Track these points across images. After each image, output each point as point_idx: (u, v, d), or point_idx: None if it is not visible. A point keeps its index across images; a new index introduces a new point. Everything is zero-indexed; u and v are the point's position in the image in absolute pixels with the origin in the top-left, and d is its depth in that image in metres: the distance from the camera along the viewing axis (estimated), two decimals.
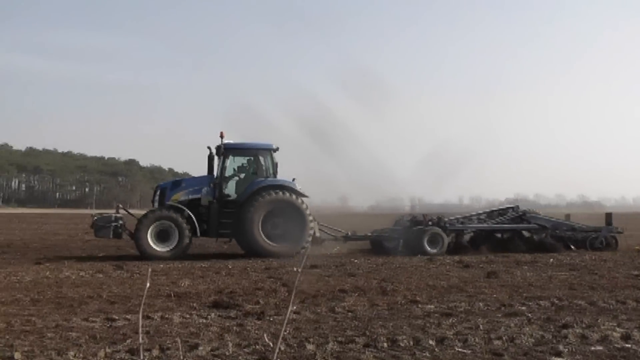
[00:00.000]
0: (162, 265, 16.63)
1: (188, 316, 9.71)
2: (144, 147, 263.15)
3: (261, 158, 20.47)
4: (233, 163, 20.57)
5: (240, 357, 7.27)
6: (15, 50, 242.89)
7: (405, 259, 18.70)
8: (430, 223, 21.18)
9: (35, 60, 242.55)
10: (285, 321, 4.34)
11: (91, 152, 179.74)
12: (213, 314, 9.90)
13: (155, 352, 7.39)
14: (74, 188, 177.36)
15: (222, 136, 19.90)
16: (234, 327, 8.88)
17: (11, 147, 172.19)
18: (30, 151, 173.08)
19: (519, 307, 10.58)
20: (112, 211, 20.76)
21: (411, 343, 7.94)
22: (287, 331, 8.55)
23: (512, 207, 23.04)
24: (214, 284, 13.29)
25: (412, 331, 8.59)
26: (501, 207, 23.61)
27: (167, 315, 9.69)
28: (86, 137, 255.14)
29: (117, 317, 9.50)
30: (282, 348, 7.65)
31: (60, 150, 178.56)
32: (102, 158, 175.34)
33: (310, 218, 19.71)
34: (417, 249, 20.03)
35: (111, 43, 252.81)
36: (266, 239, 19.33)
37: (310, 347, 7.70)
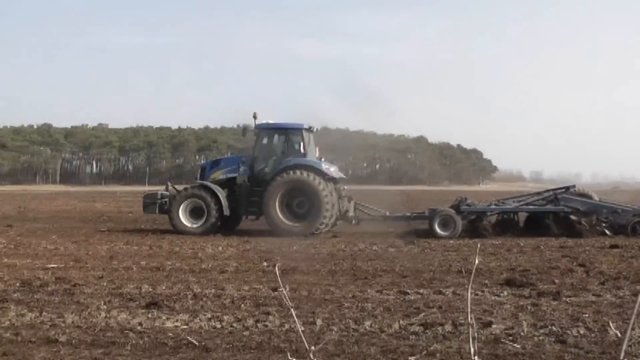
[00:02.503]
0: (452, 242, 16.73)
1: (480, 293, 9.64)
2: (433, 124, 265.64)
3: (292, 138, 20.34)
4: (266, 143, 20.60)
5: (535, 338, 7.04)
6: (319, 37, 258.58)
7: None
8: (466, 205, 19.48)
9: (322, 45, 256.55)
10: None
11: (380, 130, 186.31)
12: (506, 291, 9.73)
13: (448, 328, 7.44)
14: (365, 165, 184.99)
15: (255, 117, 20.13)
16: (528, 307, 8.62)
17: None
18: (323, 130, 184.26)
19: None
20: (161, 188, 21.90)
21: None
22: (587, 314, 8.09)
23: (559, 189, 20.20)
24: (506, 262, 13.04)
25: None
26: (551, 189, 21.02)
27: (458, 292, 9.72)
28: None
29: (409, 291, 9.75)
30: (581, 332, 7.24)
31: (351, 129, 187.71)
32: (391, 136, 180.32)
33: (327, 199, 18.95)
34: (430, 232, 18.85)
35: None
36: (282, 218, 19.16)
37: (613, 332, 7.17)
